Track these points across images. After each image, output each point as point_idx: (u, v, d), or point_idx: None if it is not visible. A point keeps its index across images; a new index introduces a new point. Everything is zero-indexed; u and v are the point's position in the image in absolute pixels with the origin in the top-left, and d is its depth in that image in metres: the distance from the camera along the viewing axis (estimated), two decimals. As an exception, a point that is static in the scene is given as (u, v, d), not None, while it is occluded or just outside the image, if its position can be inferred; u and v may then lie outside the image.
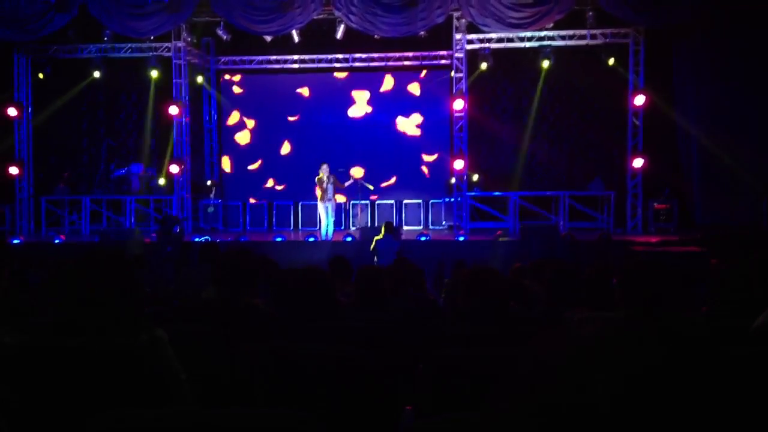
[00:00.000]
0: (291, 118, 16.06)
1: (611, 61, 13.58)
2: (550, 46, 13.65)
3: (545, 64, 13.83)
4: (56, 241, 12.82)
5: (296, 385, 2.31)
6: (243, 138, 16.32)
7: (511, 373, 0.86)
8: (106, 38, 14.24)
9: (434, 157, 15.74)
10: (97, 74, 14.79)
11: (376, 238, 10.43)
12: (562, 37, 13.60)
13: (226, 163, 16.41)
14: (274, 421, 1.39)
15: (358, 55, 15.39)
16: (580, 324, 2.95)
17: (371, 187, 13.48)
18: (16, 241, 12.74)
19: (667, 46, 13.69)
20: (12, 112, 14.48)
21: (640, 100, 13.16)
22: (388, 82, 15.92)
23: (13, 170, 14.50)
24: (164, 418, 1.50)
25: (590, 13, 12.90)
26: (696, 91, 13.54)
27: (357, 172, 14.78)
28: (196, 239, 12.60)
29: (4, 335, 2.14)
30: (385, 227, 10.56)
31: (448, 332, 3.18)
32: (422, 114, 15.82)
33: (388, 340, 3.10)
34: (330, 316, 3.00)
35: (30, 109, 14.97)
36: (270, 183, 16.02)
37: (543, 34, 13.47)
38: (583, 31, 13.39)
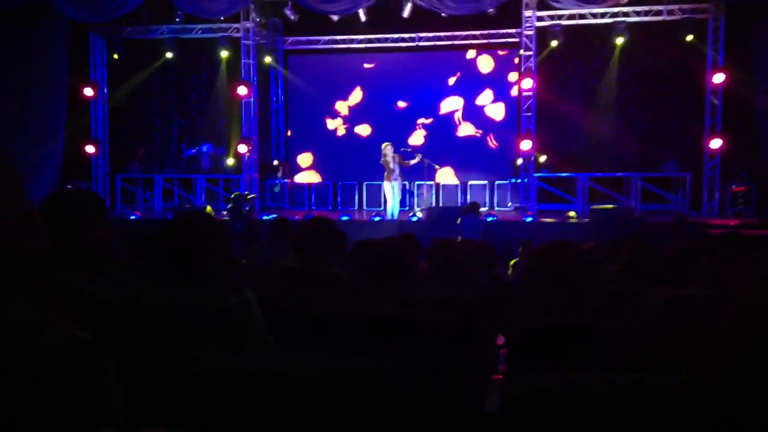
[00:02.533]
0: (354, 98, 16.06)
1: (689, 38, 13.04)
2: (624, 22, 13.19)
3: (619, 41, 13.40)
4: (131, 218, 13.23)
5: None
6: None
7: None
8: (177, 19, 14.57)
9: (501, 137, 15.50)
10: (169, 55, 15.13)
11: (459, 218, 10.43)
12: (638, 13, 13.14)
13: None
14: (368, 369, 1.37)
15: (424, 35, 15.25)
16: (667, 303, 2.83)
17: (437, 167, 13.39)
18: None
19: (748, 23, 13.05)
20: (88, 92, 14.97)
21: (719, 78, 12.62)
22: (455, 61, 15.72)
23: (90, 149, 15.02)
24: (262, 358, 1.51)
25: (667, -13, 12.43)
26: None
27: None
28: (264, 217, 12.80)
29: (101, 291, 2.20)
30: (470, 206, 10.56)
31: (524, 305, 3.12)
32: (491, 93, 15.57)
33: (465, 312, 3.06)
34: (408, 285, 2.97)
35: (105, 90, 15.45)
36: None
37: (617, 9, 13.04)
38: (660, 7, 12.92)
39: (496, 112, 15.56)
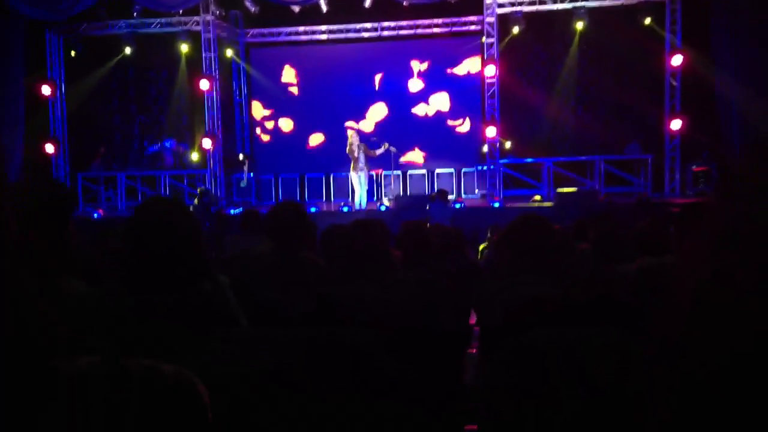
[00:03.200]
0: (317, 89, 15.99)
1: (647, 21, 13.23)
2: (584, 7, 13.34)
3: (579, 26, 13.56)
4: (95, 216, 13.00)
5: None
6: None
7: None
8: (135, 14, 14.32)
9: (465, 124, 15.57)
10: (127, 51, 14.86)
11: (429, 205, 10.46)
12: (597, -2, 13.29)
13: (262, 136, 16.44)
14: (354, 336, 1.37)
15: (386, 24, 15.23)
16: (640, 272, 2.88)
17: (394, 150, 13.23)
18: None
19: (705, 5, 13.28)
20: (46, 90, 14.65)
21: (677, 60, 12.84)
22: (417, 49, 15.73)
23: (49, 148, 14.72)
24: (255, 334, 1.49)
25: (625, -28, 12.59)
26: (735, 52, 13.13)
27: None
28: (231, 211, 12.68)
29: (77, 284, 2.15)
30: (438, 194, 10.60)
31: (495, 279, 3.15)
32: (453, 81, 15.62)
33: (437, 291, 3.07)
34: (381, 267, 2.97)
35: (63, 88, 15.13)
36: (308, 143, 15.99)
37: (577, -6, 13.19)
38: (619, -9, 13.07)
39: (459, 99, 15.62)
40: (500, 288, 2.72)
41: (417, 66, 15.73)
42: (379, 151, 12.69)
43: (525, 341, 1.54)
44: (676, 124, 12.99)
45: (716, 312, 0.70)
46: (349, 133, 12.73)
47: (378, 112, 15.75)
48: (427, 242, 3.71)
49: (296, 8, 14.23)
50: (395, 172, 14.09)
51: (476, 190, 14.85)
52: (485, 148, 13.91)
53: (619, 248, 4.15)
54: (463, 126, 15.57)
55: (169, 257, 2.22)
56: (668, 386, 0.71)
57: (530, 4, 13.49)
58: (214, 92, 14.46)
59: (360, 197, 12.71)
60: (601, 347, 1.36)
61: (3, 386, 0.80)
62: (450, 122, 15.59)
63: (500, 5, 13.41)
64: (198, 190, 12.61)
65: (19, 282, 0.87)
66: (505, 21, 13.61)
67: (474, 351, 2.43)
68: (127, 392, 0.82)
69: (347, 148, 12.60)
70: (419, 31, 15.30)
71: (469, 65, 15.49)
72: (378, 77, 15.78)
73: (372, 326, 2.32)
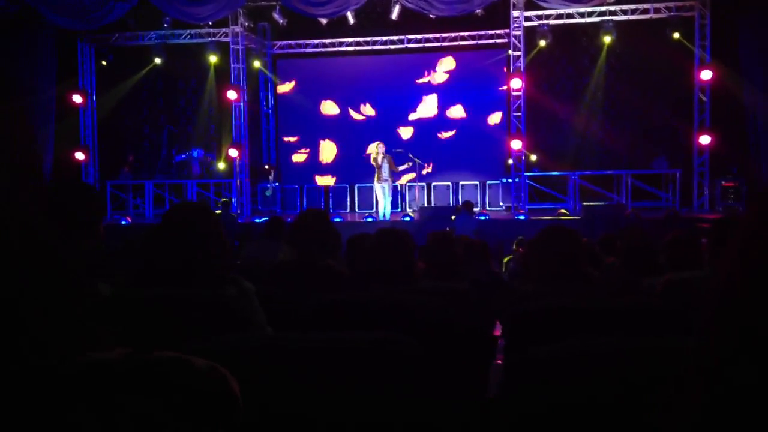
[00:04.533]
0: (347, 103, 16.06)
1: (676, 36, 13.12)
2: (611, 21, 13.25)
3: (606, 39, 13.47)
4: (123, 223, 13.17)
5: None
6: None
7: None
8: (165, 25, 14.54)
9: (491, 137, 15.52)
10: (157, 61, 15.05)
11: (453, 217, 10.44)
12: (624, 12, 13.20)
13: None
14: (374, 342, 1.36)
15: (413, 36, 15.27)
16: (669, 285, 2.84)
17: (427, 166, 13.26)
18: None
19: (734, 20, 13.13)
20: (77, 99, 14.90)
21: (707, 74, 12.70)
22: (444, 63, 15.75)
23: (79, 156, 14.95)
24: (265, 340, 1.49)
25: (654, -15, 12.52)
26: (764, 66, 12.95)
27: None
28: (256, 220, 12.76)
29: (101, 285, 2.18)
30: (464, 206, 10.58)
31: (521, 290, 3.12)
32: (480, 93, 15.59)
33: (462, 301, 3.05)
34: (406, 277, 2.96)
35: (94, 97, 15.39)
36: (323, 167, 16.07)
37: (604, 8, 13.10)
38: (647, 5, 13.00)
39: (488, 112, 15.59)
40: (527, 297, 2.70)
41: (442, 77, 15.74)
42: (402, 167, 12.70)
43: (551, 352, 1.52)
44: (705, 139, 12.83)
45: (751, 324, 0.69)
46: (375, 143, 12.76)
47: (406, 127, 15.79)
48: (453, 252, 3.69)
49: (324, 21, 14.34)
50: (420, 183, 14.07)
51: (501, 203, 14.77)
52: (510, 161, 13.85)
53: (649, 260, 4.10)
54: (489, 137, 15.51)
55: (193, 259, 2.24)
56: (698, 403, 0.70)
57: (557, 17, 13.45)
58: (242, 103, 14.60)
59: (384, 208, 12.69)
60: (631, 357, 1.34)
61: (33, 381, 0.81)
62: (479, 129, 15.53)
63: (527, 18, 13.38)
64: (222, 200, 12.69)
65: (56, 279, 0.88)
66: (531, 34, 13.58)
67: (499, 362, 2.40)
68: (159, 384, 0.83)
69: (371, 157, 12.64)
70: (445, 44, 15.32)
71: (497, 78, 15.46)
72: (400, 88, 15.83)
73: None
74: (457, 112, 15.73)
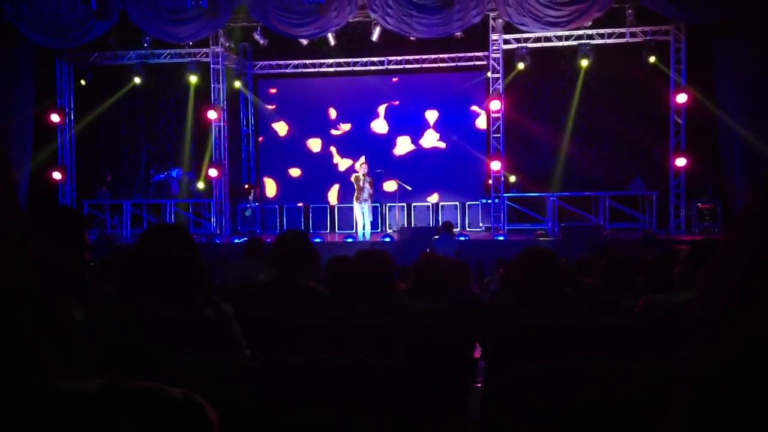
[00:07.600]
0: (326, 124, 16.11)
1: (652, 59, 13.34)
2: (588, 44, 13.44)
3: (584, 63, 13.64)
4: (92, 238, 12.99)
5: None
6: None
7: None
8: (145, 44, 14.50)
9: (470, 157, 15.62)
10: (137, 80, 14.98)
11: (434, 237, 10.44)
12: (601, 36, 13.41)
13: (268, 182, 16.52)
14: (368, 366, 1.36)
15: (393, 58, 15.39)
16: (647, 306, 2.86)
17: (409, 188, 13.39)
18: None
19: (708, 44, 13.40)
20: (55, 118, 14.77)
21: (682, 98, 12.92)
22: (424, 84, 15.88)
23: (57, 175, 14.79)
24: (256, 363, 1.48)
25: (629, 11, 12.75)
26: (737, 90, 13.21)
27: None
28: (236, 240, 12.68)
29: (75, 310, 2.14)
30: (443, 226, 10.61)
31: (502, 310, 3.12)
32: (458, 115, 15.73)
33: (443, 325, 3.05)
34: (387, 297, 2.96)
35: (72, 116, 15.26)
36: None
37: (581, 32, 13.30)
38: (623, 29, 13.21)
39: (464, 133, 15.71)
40: (508, 318, 2.70)
41: (421, 100, 15.87)
42: (391, 190, 12.79)
43: (530, 372, 1.52)
44: (681, 162, 13.02)
45: (736, 348, 0.69)
46: (360, 161, 12.83)
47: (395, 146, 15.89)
48: (441, 272, 3.70)
49: (305, 42, 14.41)
50: (400, 203, 14.11)
51: (480, 224, 14.83)
52: (489, 182, 13.94)
53: (628, 281, 4.14)
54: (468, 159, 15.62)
55: (171, 281, 2.22)
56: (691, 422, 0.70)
57: (535, 40, 13.64)
58: (222, 123, 14.58)
59: (364, 228, 12.70)
60: (608, 378, 1.34)
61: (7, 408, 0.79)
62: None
63: (506, 41, 13.55)
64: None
65: (34, 303, 0.86)
66: (510, 57, 13.74)
67: (479, 385, 2.40)
68: (134, 416, 0.81)
69: (353, 176, 12.67)
70: (425, 65, 15.46)
71: (476, 100, 15.61)
72: (382, 109, 15.92)
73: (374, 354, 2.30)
74: (436, 133, 15.84)
